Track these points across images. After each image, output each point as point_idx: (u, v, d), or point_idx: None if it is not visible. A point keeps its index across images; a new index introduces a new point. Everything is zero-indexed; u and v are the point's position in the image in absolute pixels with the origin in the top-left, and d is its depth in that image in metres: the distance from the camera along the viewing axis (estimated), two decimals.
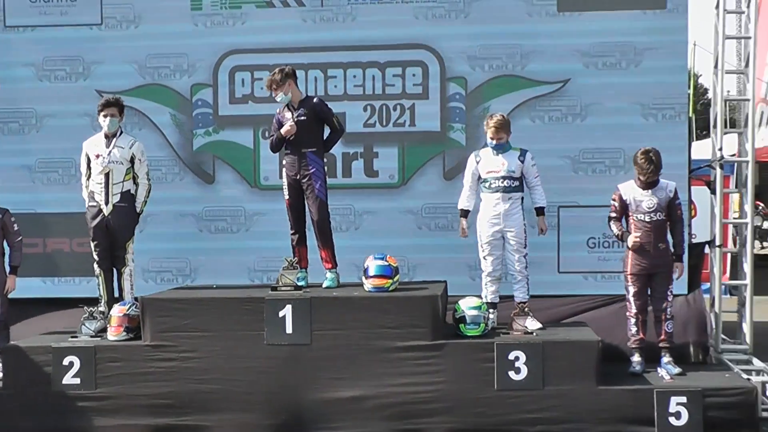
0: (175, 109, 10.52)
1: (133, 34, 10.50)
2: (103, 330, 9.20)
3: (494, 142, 9.22)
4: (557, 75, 10.20)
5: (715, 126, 10.50)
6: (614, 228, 9.19)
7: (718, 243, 10.43)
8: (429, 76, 10.26)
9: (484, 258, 9.34)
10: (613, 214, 9.19)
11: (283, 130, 9.17)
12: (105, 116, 9.46)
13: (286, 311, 8.65)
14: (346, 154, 10.33)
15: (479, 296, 9.25)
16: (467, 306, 8.91)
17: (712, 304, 10.50)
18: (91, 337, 9.16)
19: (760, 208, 26.95)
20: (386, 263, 8.99)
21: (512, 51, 10.20)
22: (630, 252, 9.11)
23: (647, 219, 9.04)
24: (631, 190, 9.13)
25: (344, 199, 10.23)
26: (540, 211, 9.30)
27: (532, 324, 9.18)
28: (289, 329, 8.63)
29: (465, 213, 9.32)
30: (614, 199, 9.19)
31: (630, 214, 9.14)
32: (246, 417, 8.66)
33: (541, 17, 10.21)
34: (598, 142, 10.19)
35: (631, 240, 9.03)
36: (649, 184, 9.04)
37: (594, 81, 10.17)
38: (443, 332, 8.77)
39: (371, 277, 8.93)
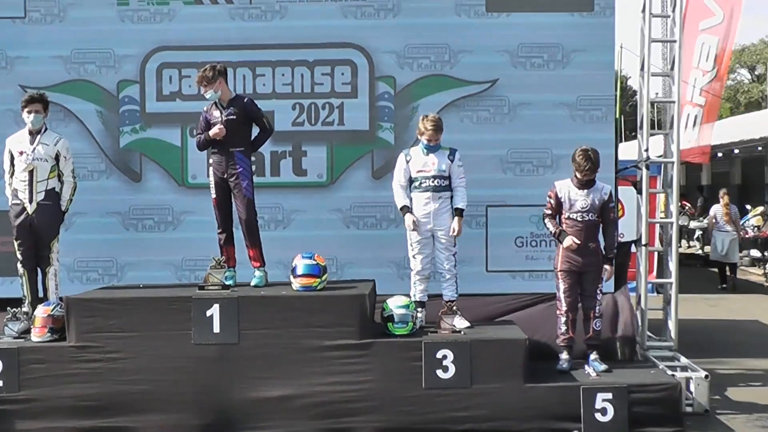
0: (102, 105, 10.45)
1: (57, 28, 10.40)
2: (27, 331, 9.13)
3: (431, 143, 9.30)
4: (486, 75, 10.32)
5: (641, 127, 10.73)
6: (550, 225, 9.35)
7: (644, 242, 10.64)
8: (358, 75, 10.32)
9: (413, 257, 9.42)
10: (549, 211, 9.35)
11: (211, 133, 9.15)
12: (29, 112, 9.37)
13: (214, 310, 8.67)
14: (274, 152, 10.35)
15: (408, 295, 9.34)
16: (395, 305, 9.01)
17: (639, 302, 10.70)
18: (15, 338, 9.08)
19: (687, 208, 27.50)
20: (314, 262, 9.04)
21: (441, 50, 10.30)
22: (560, 249, 9.30)
23: (579, 219, 9.23)
24: (567, 188, 9.29)
25: (272, 198, 10.25)
26: (459, 212, 9.33)
27: (460, 323, 9.30)
28: (216, 328, 8.66)
29: (407, 209, 9.33)
30: (550, 196, 9.34)
31: (563, 212, 9.31)
32: (173, 418, 8.66)
33: (470, 17, 10.33)
34: (526, 141, 10.34)
35: (568, 241, 9.20)
36: (586, 183, 9.22)
37: (522, 81, 10.32)
38: (371, 331, 8.86)
39: (299, 276, 8.98)
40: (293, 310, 8.70)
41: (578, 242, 9.15)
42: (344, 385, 8.66)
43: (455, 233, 9.27)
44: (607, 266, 9.34)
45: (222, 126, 9.13)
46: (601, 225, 9.30)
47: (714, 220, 20.45)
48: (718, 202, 20.75)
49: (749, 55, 55.66)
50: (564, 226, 9.27)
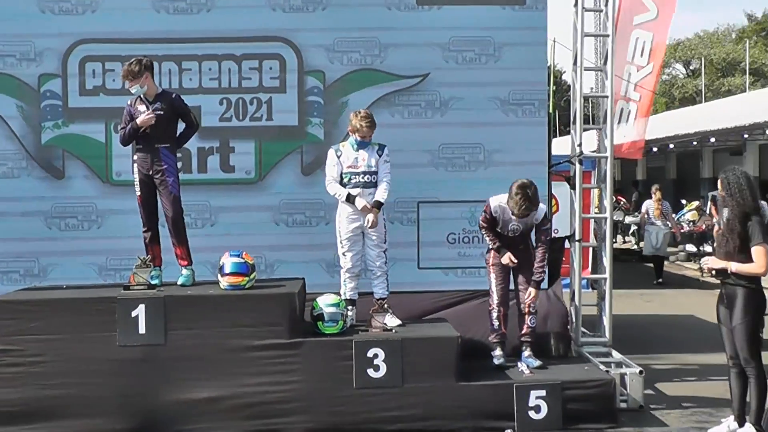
0: (22, 100, 10.23)
1: None
2: None
3: (365, 140, 9.29)
4: (416, 69, 10.32)
5: (574, 122, 10.79)
6: (488, 239, 9.47)
7: (577, 237, 10.71)
8: (286, 70, 10.25)
9: (343, 254, 9.40)
10: (485, 224, 9.44)
11: (140, 120, 8.99)
12: None
13: (139, 311, 8.57)
14: (201, 149, 10.25)
15: (338, 293, 9.31)
16: (325, 303, 8.97)
17: (573, 298, 10.79)
18: None
19: (621, 203, 27.81)
20: (242, 260, 8.98)
21: (371, 44, 10.27)
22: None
23: (510, 235, 9.42)
24: (501, 209, 9.33)
25: (199, 195, 10.15)
26: (377, 204, 9.27)
27: (392, 321, 9.29)
28: (142, 329, 8.55)
29: (353, 196, 9.27)
30: (485, 211, 9.43)
31: (497, 225, 9.43)
32: (98, 423, 8.52)
33: (400, 10, 10.31)
34: (458, 137, 10.34)
35: (506, 259, 9.30)
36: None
37: (453, 75, 10.33)
38: (301, 330, 8.82)
39: (227, 274, 8.91)
40: (221, 310, 8.63)
41: (515, 261, 9.25)
42: (274, 386, 8.61)
43: (369, 225, 9.25)
44: (532, 289, 9.40)
45: (152, 114, 9.00)
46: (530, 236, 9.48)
47: (646, 216, 20.73)
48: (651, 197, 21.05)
49: (684, 50, 56.46)
50: (494, 231, 9.39)
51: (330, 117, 10.31)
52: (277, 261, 10.25)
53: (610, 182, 10.78)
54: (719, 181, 8.30)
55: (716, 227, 8.36)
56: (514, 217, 9.26)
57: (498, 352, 9.41)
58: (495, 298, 9.39)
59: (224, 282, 8.91)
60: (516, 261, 9.30)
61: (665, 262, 21.11)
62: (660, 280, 20.45)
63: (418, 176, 10.23)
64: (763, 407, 8.27)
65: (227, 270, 8.93)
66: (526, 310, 9.36)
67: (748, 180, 8.21)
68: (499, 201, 9.33)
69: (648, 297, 17.92)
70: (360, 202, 9.22)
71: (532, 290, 9.39)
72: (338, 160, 9.34)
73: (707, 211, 22.67)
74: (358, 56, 10.30)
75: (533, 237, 9.56)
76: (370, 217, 9.22)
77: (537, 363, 9.31)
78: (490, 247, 9.44)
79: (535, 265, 9.38)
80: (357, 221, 9.30)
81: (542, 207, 9.38)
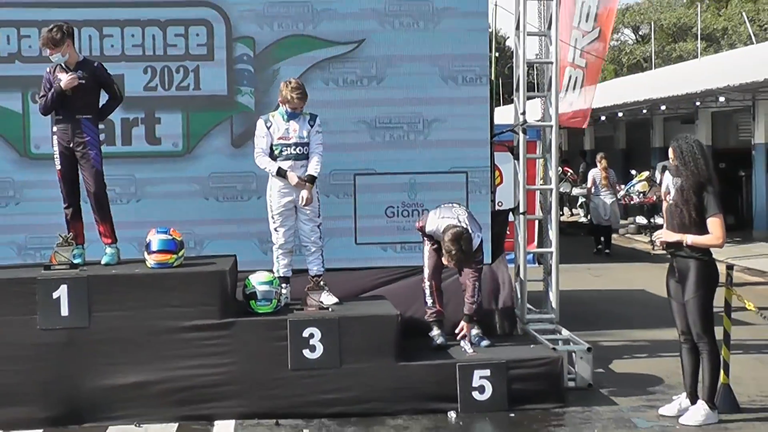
0: None
1: None
2: None
3: (297, 111, 9.30)
4: (351, 35, 10.34)
5: (517, 89, 10.86)
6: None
7: (522, 210, 10.78)
8: (214, 36, 10.20)
9: (275, 230, 9.42)
10: (424, 236, 9.54)
11: (64, 83, 8.86)
12: None
13: (61, 292, 8.52)
14: (125, 120, 10.18)
15: (271, 270, 9.34)
16: (258, 281, 8.99)
17: (517, 273, 10.88)
18: None
19: (569, 174, 28.02)
20: (170, 237, 8.96)
21: (303, 9, 10.27)
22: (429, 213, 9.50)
23: None
24: (435, 233, 9.39)
25: (124, 169, 10.09)
26: (310, 179, 9.30)
27: (328, 299, 9.34)
28: (64, 311, 8.51)
29: (283, 170, 9.28)
30: (420, 225, 9.61)
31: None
32: (18, 411, 8.43)
33: None
34: (396, 106, 10.39)
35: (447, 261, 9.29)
36: None
37: (390, 42, 10.36)
38: (233, 310, 8.84)
39: (154, 252, 8.89)
40: (148, 290, 8.61)
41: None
42: (205, 369, 8.61)
43: (303, 203, 9.28)
44: (464, 323, 9.40)
45: (75, 75, 8.90)
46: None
47: (593, 186, 20.97)
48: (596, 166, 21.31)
49: (633, 15, 56.79)
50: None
51: (261, 86, 10.29)
52: (206, 237, 10.24)
53: (555, 152, 10.89)
54: (671, 150, 8.35)
55: (667, 198, 8.42)
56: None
57: (436, 331, 9.47)
58: (426, 272, 9.47)
59: (151, 260, 8.88)
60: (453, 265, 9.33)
61: (614, 235, 21.35)
62: (600, 247, 20.82)
63: (355, 147, 10.28)
64: (715, 384, 8.41)
65: (154, 247, 8.90)
66: (470, 286, 9.40)
67: (701, 148, 8.26)
68: (436, 225, 9.36)
69: (596, 272, 18.12)
70: (292, 177, 9.24)
71: (463, 324, 9.39)
72: (268, 131, 9.35)
73: (657, 182, 22.92)
74: (290, 22, 10.28)
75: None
76: (304, 194, 9.25)
77: (486, 342, 9.43)
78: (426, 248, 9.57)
79: (467, 296, 9.38)
80: (289, 195, 9.32)
81: (477, 236, 9.39)
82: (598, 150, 31.54)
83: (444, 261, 9.24)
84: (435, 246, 9.42)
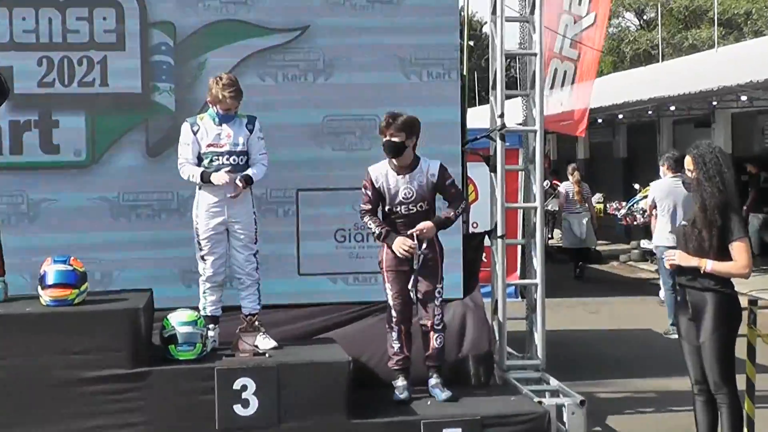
0: None
1: None
2: None
3: (230, 112, 9.32)
4: (293, 20, 10.38)
5: (494, 87, 10.90)
6: (371, 224, 9.39)
7: (500, 233, 10.79)
8: (125, 21, 10.20)
9: (202, 258, 9.42)
10: (367, 206, 9.39)
11: None
12: None
13: None
14: (15, 123, 10.14)
15: (195, 308, 9.33)
16: (179, 321, 8.95)
17: (495, 310, 10.90)
18: None
19: (557, 189, 28.08)
20: (70, 268, 8.91)
21: None
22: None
23: (404, 211, 9.34)
24: (383, 174, 9.38)
25: (14, 184, 10.09)
26: (246, 178, 9.29)
27: (265, 342, 9.34)
28: None
29: (208, 173, 9.27)
30: (365, 186, 9.42)
31: (384, 205, 9.43)
32: None
33: None
34: (348, 106, 10.44)
35: (399, 245, 9.22)
36: (404, 167, 9.31)
37: (340, 29, 10.42)
38: (147, 357, 8.80)
39: (50, 286, 8.82)
40: (42, 332, 8.55)
41: (412, 246, 9.25)
42: (112, 430, 8.54)
43: (232, 194, 9.27)
44: (427, 223, 9.31)
45: None
46: (433, 210, 9.47)
47: (565, 201, 21.21)
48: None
49: None
50: (386, 221, 9.38)
51: (183, 82, 10.29)
52: (116, 267, 10.22)
53: (540, 162, 10.90)
54: (689, 160, 8.33)
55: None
56: (401, 181, 9.29)
57: (401, 382, 9.44)
58: (393, 313, 9.45)
59: (46, 296, 8.83)
60: (413, 247, 9.29)
61: (614, 263, 21.48)
62: (580, 273, 21.14)
63: (298, 156, 10.31)
64: None
65: (50, 281, 8.85)
66: (429, 325, 9.40)
67: (726, 160, 8.25)
68: (377, 166, 9.41)
69: (592, 307, 18.21)
70: (220, 177, 9.22)
71: (426, 224, 9.33)
72: (195, 137, 9.34)
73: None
74: (218, 4, 10.30)
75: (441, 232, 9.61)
76: (232, 178, 9.21)
77: (446, 394, 9.36)
78: (374, 232, 9.44)
79: (445, 211, 9.44)
80: (220, 215, 9.32)
81: (434, 162, 9.40)
82: (594, 159, 31.73)
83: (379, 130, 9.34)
84: (382, 227, 9.38)
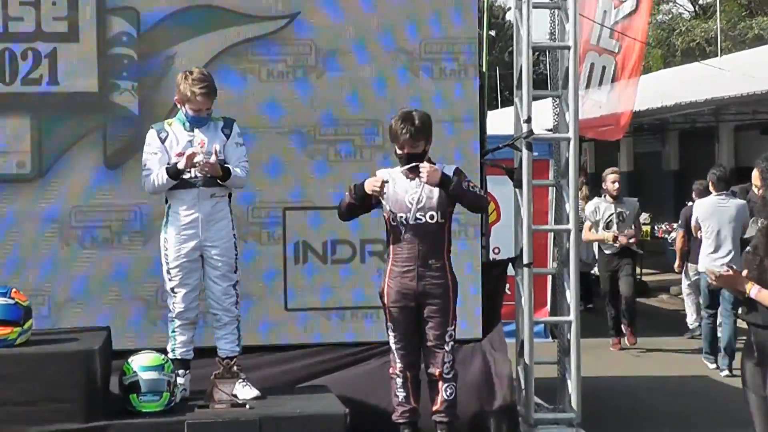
0: None
1: None
2: None
3: (202, 114, 9.33)
4: (280, 7, 10.43)
5: (520, 85, 10.88)
6: (346, 197, 9.52)
7: (526, 260, 10.77)
8: (79, 6, 10.21)
9: (171, 290, 9.42)
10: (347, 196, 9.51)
11: None
12: None
13: None
14: None
15: (162, 350, 9.31)
16: (142, 366, 8.92)
17: (521, 353, 10.86)
18: None
19: None
20: (11, 301, 8.90)
21: None
22: (388, 269, 9.41)
23: (412, 221, 9.35)
24: (394, 180, 9.36)
25: None
26: (224, 172, 9.29)
27: (245, 391, 9.34)
28: None
29: (172, 168, 9.26)
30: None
31: (388, 215, 9.44)
32: None
33: None
34: (344, 109, 10.50)
35: (370, 185, 9.32)
36: (412, 168, 9.29)
37: (335, 17, 10.48)
38: (104, 408, 8.78)
39: None
40: None
41: (399, 255, 9.31)
42: None
43: (202, 167, 9.22)
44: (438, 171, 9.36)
45: None
46: (448, 228, 9.49)
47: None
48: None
49: None
50: (391, 238, 9.38)
51: (148, 79, 10.32)
52: (67, 301, 10.23)
53: (574, 176, 10.87)
54: (756, 175, 8.22)
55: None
56: (409, 186, 9.28)
57: None
58: (397, 359, 9.43)
59: None
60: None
61: (665, 296, 21.43)
62: (591, 305, 21.06)
63: (285, 169, 10.37)
64: None
65: None
66: (438, 374, 9.39)
67: None
68: (389, 171, 9.44)
69: (636, 349, 18.14)
70: (186, 160, 9.22)
71: (430, 168, 9.37)
72: (162, 145, 9.36)
73: None
74: None
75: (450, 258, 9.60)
76: (206, 154, 9.21)
77: None
78: (347, 200, 9.54)
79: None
80: (193, 238, 9.33)
81: (449, 166, 9.45)
82: (639, 171, 31.68)
83: (394, 136, 9.35)
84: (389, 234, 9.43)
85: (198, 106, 9.26)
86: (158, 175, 9.29)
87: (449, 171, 9.35)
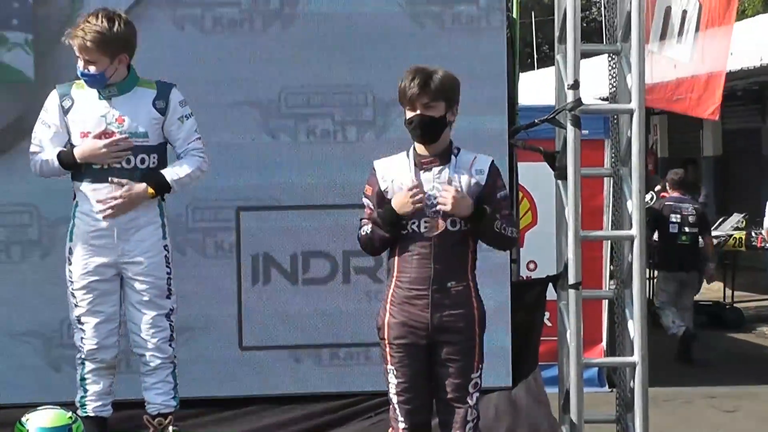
0: None
1: None
2: None
3: (92, 69, 9.27)
4: None
5: (563, 39, 10.93)
6: (365, 229, 9.44)
7: (573, 279, 10.80)
8: None
9: (78, 321, 9.44)
10: (367, 227, 9.40)
11: None
12: None
13: None
14: None
15: (71, 405, 9.28)
16: (40, 426, 8.90)
17: (566, 407, 10.91)
18: None
19: None
20: None
21: None
22: (390, 292, 9.38)
23: (423, 228, 9.31)
24: (396, 170, 9.35)
25: None
26: (157, 186, 9.33)
27: None
28: None
29: (65, 152, 9.32)
30: (366, 193, 9.42)
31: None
32: None
33: None
34: (321, 72, 10.58)
35: (402, 202, 9.27)
36: (432, 158, 9.29)
37: None
38: None
39: None
40: None
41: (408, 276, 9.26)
42: None
43: (115, 204, 9.27)
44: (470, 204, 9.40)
45: None
46: (474, 239, 9.43)
47: None
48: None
49: None
50: (396, 250, 9.36)
51: (47, 31, 10.38)
52: None
53: (640, 163, 10.91)
54: None
55: None
56: (424, 179, 9.25)
57: None
58: (399, 415, 9.46)
59: None
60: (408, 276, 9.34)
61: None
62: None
63: (239, 154, 10.46)
64: None
65: None
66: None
67: None
68: (387, 160, 9.36)
69: (725, 401, 18.21)
70: (90, 149, 9.25)
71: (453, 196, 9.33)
72: (63, 116, 9.43)
73: None
74: None
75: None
76: (124, 189, 9.25)
77: None
78: (366, 232, 9.44)
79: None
80: (107, 249, 9.36)
81: (485, 156, 9.33)
82: (730, 157, 31.74)
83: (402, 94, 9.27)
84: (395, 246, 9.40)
85: (87, 55, 9.21)
86: (48, 160, 9.34)
87: (484, 162, 9.28)
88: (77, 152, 9.20)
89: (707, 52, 12.52)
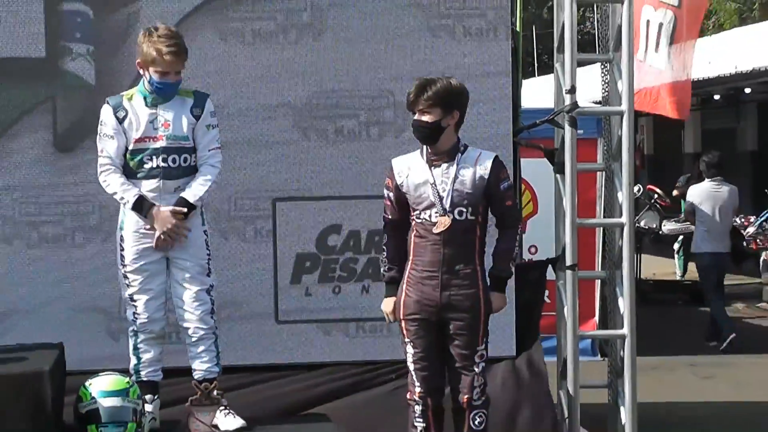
0: None
1: None
2: None
3: (170, 78, 9.26)
4: None
5: (561, 49, 10.93)
6: (383, 257, 9.49)
7: (570, 261, 10.80)
8: None
9: (130, 298, 9.46)
10: (390, 216, 9.47)
11: None
12: None
13: None
14: None
15: (126, 371, 9.37)
16: (102, 391, 8.95)
17: (563, 374, 10.90)
18: None
19: (656, 197, 28.04)
20: None
21: None
22: (407, 273, 9.40)
23: (434, 219, 9.33)
24: (410, 167, 9.36)
25: None
26: (184, 204, 9.32)
27: (227, 421, 9.38)
28: None
29: (147, 204, 9.29)
30: (387, 186, 9.46)
31: (411, 212, 9.46)
32: None
33: None
34: (345, 79, 10.56)
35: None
36: (440, 155, 9.30)
37: None
38: None
39: None
40: None
41: (421, 260, 9.35)
42: None
43: (160, 242, 9.31)
44: (496, 293, 9.49)
45: None
46: (482, 227, 9.44)
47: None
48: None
49: None
50: (413, 235, 9.35)
51: (107, 42, 10.38)
52: (10, 312, 10.31)
53: (629, 159, 10.90)
54: None
55: None
56: (435, 174, 9.24)
57: None
58: (416, 383, 9.45)
59: None
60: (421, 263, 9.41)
61: (738, 305, 21.36)
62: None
63: (274, 151, 10.44)
64: None
65: None
66: (465, 401, 9.42)
67: None
68: (403, 158, 9.44)
69: (705, 369, 18.14)
70: (161, 217, 9.28)
71: (497, 296, 9.45)
72: (120, 125, 9.37)
73: None
74: None
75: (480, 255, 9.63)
76: (168, 223, 9.27)
77: None
78: (383, 271, 9.53)
79: (498, 252, 9.47)
80: (153, 237, 9.36)
81: (489, 153, 9.42)
82: (708, 152, 31.66)
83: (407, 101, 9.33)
84: (392, 267, 9.45)
85: (165, 68, 9.22)
86: (122, 196, 9.30)
87: (487, 158, 9.32)
88: (151, 212, 9.26)
89: (682, 60, 12.54)
